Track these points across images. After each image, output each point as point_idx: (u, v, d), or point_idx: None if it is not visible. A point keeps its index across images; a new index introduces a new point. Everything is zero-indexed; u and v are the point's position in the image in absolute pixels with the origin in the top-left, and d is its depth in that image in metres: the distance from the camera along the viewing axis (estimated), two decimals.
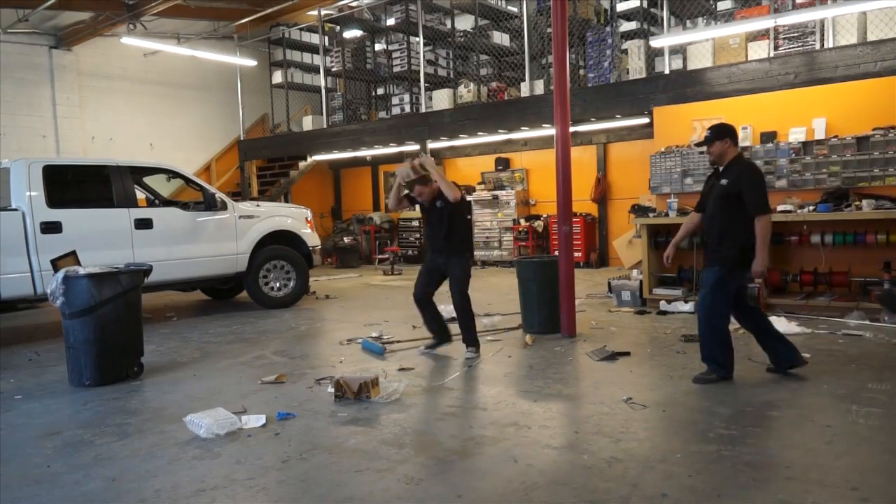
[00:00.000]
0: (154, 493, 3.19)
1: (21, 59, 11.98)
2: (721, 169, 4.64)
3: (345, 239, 14.55)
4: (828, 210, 6.75)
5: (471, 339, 5.73)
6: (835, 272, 7.07)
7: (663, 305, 7.50)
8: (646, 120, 9.59)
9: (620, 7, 10.26)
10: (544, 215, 12.68)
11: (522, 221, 12.81)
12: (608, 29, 9.49)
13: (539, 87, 9.88)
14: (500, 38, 12.29)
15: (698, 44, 8.38)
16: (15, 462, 3.69)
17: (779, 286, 7.34)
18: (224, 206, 8.38)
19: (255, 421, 4.09)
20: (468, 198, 13.52)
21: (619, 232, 11.64)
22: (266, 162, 15.15)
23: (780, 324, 6.16)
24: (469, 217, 5.92)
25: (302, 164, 14.49)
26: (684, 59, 8.55)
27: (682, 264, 7.96)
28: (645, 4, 9.99)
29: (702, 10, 9.40)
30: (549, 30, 8.52)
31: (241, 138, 13.90)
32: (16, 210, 6.84)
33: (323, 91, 12.57)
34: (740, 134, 7.87)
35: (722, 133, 4.59)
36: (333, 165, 16.75)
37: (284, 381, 5.14)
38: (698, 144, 4.73)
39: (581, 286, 8.55)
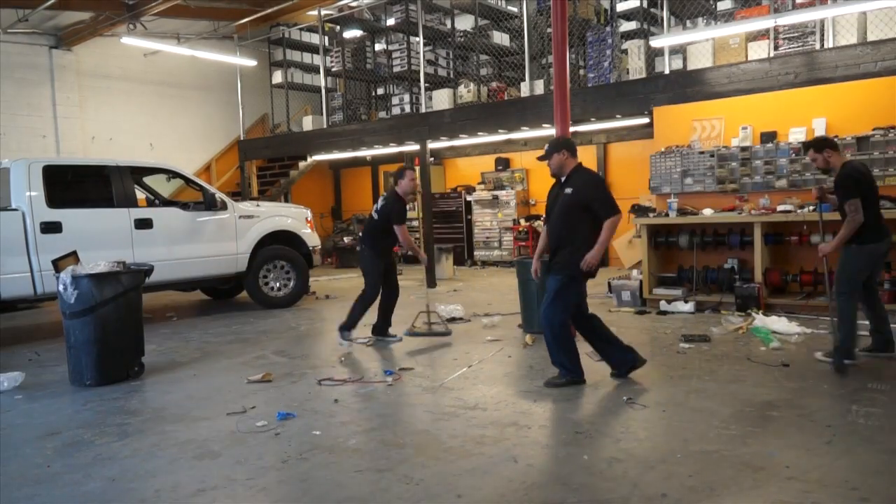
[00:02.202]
0: (154, 493, 3.20)
1: (21, 59, 11.98)
2: (563, 179, 4.76)
3: (345, 239, 14.54)
4: (828, 210, 6.74)
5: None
6: (835, 272, 7.05)
7: (663, 305, 7.50)
8: (646, 120, 9.58)
9: (620, 7, 10.25)
10: (544, 215, 12.64)
11: (522, 221, 12.80)
12: (608, 29, 9.48)
13: (539, 87, 9.87)
14: (500, 38, 12.27)
15: (698, 44, 8.37)
16: (15, 462, 3.69)
17: (779, 286, 7.34)
18: (224, 207, 8.38)
19: None
20: (468, 198, 13.59)
21: (620, 232, 11.62)
22: (266, 162, 15.15)
23: (780, 324, 6.18)
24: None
25: (302, 164, 14.48)
26: (684, 59, 8.54)
27: (682, 264, 7.97)
28: (645, 4, 9.97)
29: (702, 10, 9.38)
30: (549, 30, 8.51)
31: (241, 138, 13.90)
32: (16, 210, 6.84)
33: (323, 91, 12.56)
34: (740, 134, 7.90)
35: (558, 146, 4.75)
36: (333, 165, 16.75)
37: (270, 379, 5.15)
38: (539, 159, 4.98)
39: None
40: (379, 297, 6.45)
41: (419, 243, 6.32)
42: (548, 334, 4.71)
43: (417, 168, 12.31)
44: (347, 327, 6.36)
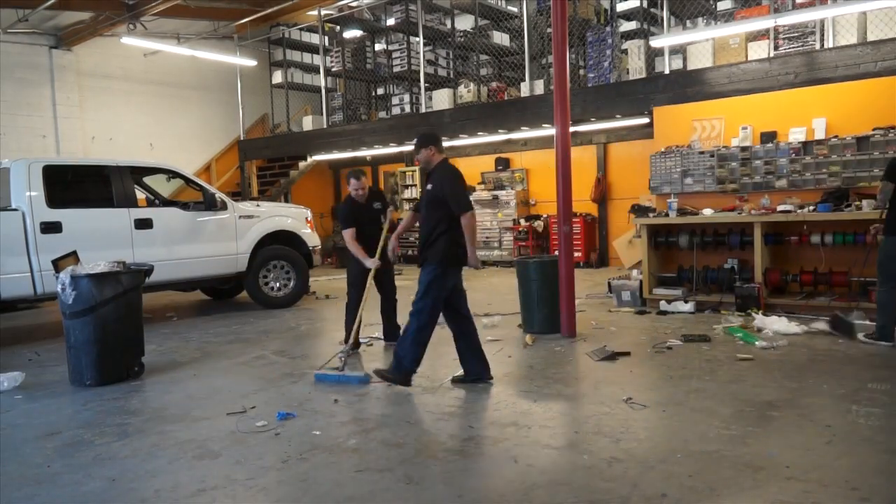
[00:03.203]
0: (154, 493, 3.20)
1: (21, 59, 11.98)
2: (430, 174, 4.84)
3: None
4: (828, 210, 6.75)
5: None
6: (835, 272, 7.07)
7: (663, 305, 7.50)
8: (646, 120, 9.59)
9: (620, 7, 10.25)
10: (544, 215, 12.67)
11: (522, 221, 12.80)
12: (608, 29, 9.48)
13: (539, 87, 9.87)
14: (500, 38, 12.28)
15: (698, 44, 8.38)
16: (15, 462, 3.69)
17: (779, 286, 7.34)
18: (224, 207, 8.38)
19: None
20: (470, 198, 13.55)
21: (619, 232, 11.63)
22: (266, 162, 15.15)
23: (780, 323, 6.18)
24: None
25: (302, 164, 14.48)
26: (684, 59, 8.55)
27: (682, 264, 7.97)
28: (645, 4, 9.98)
29: (702, 10, 9.39)
30: (549, 30, 8.51)
31: (241, 138, 13.90)
32: (16, 210, 6.84)
33: (323, 91, 12.57)
34: (740, 134, 7.90)
35: (425, 142, 4.82)
36: (333, 165, 16.75)
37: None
38: (413, 153, 5.05)
39: (581, 286, 8.55)
40: (380, 302, 6.31)
41: (377, 254, 5.95)
42: (412, 324, 4.73)
43: (417, 168, 12.36)
44: (346, 339, 6.03)
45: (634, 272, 8.41)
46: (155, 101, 13.89)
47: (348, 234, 5.95)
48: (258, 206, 9.21)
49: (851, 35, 7.29)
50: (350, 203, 6.11)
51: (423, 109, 11.14)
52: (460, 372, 4.95)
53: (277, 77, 13.79)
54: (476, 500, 2.99)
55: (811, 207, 6.92)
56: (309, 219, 9.42)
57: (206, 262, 8.20)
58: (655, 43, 8.45)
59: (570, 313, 6.37)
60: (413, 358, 4.71)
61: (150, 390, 5.10)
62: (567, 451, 3.53)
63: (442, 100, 10.97)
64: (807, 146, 7.45)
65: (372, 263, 5.83)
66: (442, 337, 6.61)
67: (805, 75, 7.35)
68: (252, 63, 13.90)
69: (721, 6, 9.13)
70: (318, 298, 9.83)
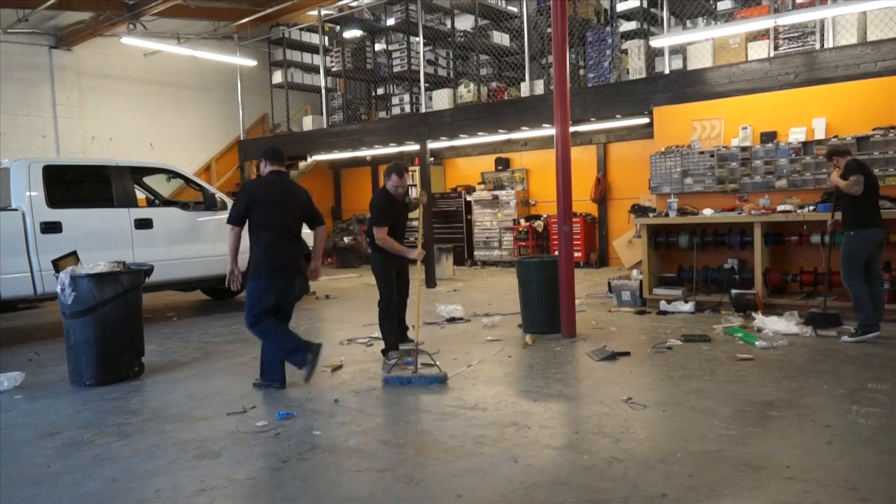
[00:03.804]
0: (154, 493, 3.20)
1: (21, 59, 11.98)
2: None
3: (345, 239, 14.55)
4: (828, 210, 6.73)
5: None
6: (835, 272, 7.05)
7: (663, 305, 7.50)
8: (646, 120, 9.58)
9: (620, 7, 10.25)
10: (544, 215, 12.67)
11: (522, 221, 12.80)
12: (608, 29, 9.48)
13: (539, 87, 9.87)
14: (500, 38, 12.27)
15: (698, 44, 8.38)
16: (15, 462, 3.69)
17: (779, 286, 7.34)
18: (224, 206, 8.38)
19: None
20: (468, 198, 13.57)
21: (619, 232, 11.63)
22: None
23: (780, 323, 6.18)
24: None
25: (302, 164, 14.49)
26: (684, 59, 8.54)
27: (682, 264, 7.97)
28: (645, 4, 9.98)
29: (702, 10, 9.39)
30: (549, 30, 8.51)
31: (241, 138, 13.90)
32: (16, 210, 6.84)
33: (323, 91, 12.56)
34: (740, 134, 7.90)
35: (261, 154, 5.16)
36: (333, 165, 16.75)
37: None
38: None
39: (581, 286, 8.56)
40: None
41: (418, 244, 5.65)
42: (261, 337, 4.95)
43: (417, 168, 12.35)
44: (386, 350, 5.73)
45: (634, 272, 8.41)
46: (155, 101, 13.89)
47: (383, 232, 5.52)
48: None
49: (851, 35, 7.29)
50: (388, 197, 5.67)
51: (423, 109, 11.14)
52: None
53: (277, 77, 13.78)
54: (476, 500, 2.99)
55: (811, 207, 6.92)
56: None
57: (206, 261, 8.20)
58: (655, 43, 8.45)
59: (570, 313, 6.37)
60: (294, 348, 4.81)
61: (150, 390, 5.10)
62: (567, 451, 3.53)
63: (442, 100, 10.96)
64: (807, 146, 7.45)
65: (418, 254, 5.55)
66: (446, 335, 6.61)
67: (805, 75, 7.35)
68: (252, 63, 13.90)
69: (721, 6, 9.12)
70: (318, 298, 9.83)
